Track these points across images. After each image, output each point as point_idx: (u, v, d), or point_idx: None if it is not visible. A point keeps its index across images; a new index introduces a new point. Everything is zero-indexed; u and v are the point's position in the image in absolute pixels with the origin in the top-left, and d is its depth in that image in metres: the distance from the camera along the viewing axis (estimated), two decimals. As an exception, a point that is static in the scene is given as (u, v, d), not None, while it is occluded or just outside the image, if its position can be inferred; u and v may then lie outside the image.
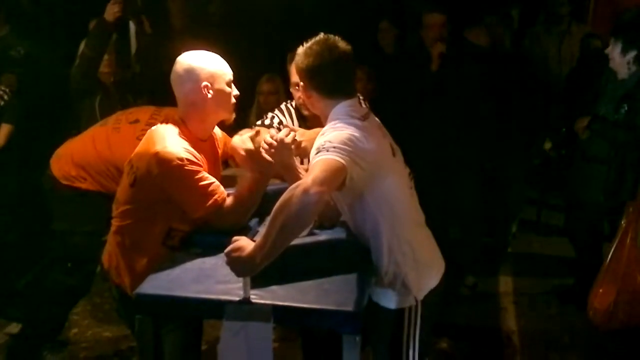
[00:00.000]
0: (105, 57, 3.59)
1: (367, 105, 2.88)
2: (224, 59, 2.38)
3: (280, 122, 2.84)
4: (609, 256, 3.19)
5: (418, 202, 2.27)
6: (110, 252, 2.43)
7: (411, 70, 3.84)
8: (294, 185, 1.85)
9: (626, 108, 3.34)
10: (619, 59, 3.36)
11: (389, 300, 2.17)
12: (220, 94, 2.32)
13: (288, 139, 2.26)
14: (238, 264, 1.88)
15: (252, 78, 4.00)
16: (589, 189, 3.55)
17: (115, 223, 2.40)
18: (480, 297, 4.01)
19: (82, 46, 3.60)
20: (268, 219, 1.89)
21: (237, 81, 2.42)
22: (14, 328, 3.49)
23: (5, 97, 3.55)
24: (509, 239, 4.60)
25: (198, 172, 2.23)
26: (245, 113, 3.90)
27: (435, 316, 2.27)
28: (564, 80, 4.38)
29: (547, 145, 4.57)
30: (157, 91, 2.85)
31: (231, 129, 2.62)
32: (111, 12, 3.50)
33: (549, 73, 4.62)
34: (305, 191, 1.81)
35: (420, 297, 2.18)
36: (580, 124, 3.59)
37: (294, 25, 4.43)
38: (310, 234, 2.23)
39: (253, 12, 4.67)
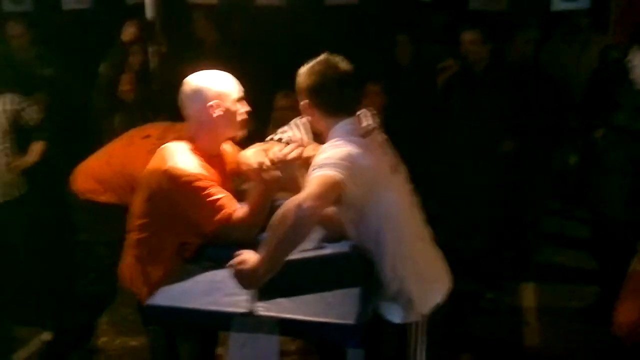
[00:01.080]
0: (125, 75, 3.65)
1: (379, 119, 2.90)
2: (244, 76, 2.43)
3: (292, 138, 2.86)
4: (631, 269, 3.12)
5: (423, 218, 2.28)
6: (128, 264, 2.48)
7: (421, 83, 3.87)
8: (288, 201, 1.89)
9: None
10: (638, 69, 3.31)
11: (393, 315, 2.17)
12: (228, 113, 2.37)
13: (292, 155, 2.30)
14: (242, 277, 1.92)
15: (268, 94, 4.05)
16: (609, 200, 3.49)
17: (132, 236, 2.46)
18: (503, 311, 3.96)
19: (101, 67, 3.71)
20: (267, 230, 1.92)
21: (255, 97, 2.44)
22: (48, 336, 3.57)
23: (37, 115, 3.65)
24: (531, 252, 4.52)
25: (208, 187, 2.27)
26: (264, 128, 3.95)
27: (441, 332, 2.26)
28: (583, 92, 4.30)
29: (572, 159, 4.49)
30: (176, 108, 2.91)
31: (248, 143, 2.64)
32: (127, 32, 3.59)
33: (568, 85, 4.52)
34: (299, 206, 1.85)
35: (425, 312, 2.18)
36: (597, 135, 3.53)
37: (307, 42, 4.48)
38: (318, 247, 2.25)
39: (274, 31, 4.72)
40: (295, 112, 3.85)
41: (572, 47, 4.63)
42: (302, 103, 2.25)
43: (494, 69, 3.80)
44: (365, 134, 2.18)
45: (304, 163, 2.34)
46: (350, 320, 1.89)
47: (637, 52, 3.31)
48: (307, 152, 2.38)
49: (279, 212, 1.87)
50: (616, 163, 3.42)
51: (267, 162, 2.32)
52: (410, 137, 3.38)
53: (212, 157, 2.42)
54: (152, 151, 2.45)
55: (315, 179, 1.95)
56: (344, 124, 2.17)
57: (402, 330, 2.16)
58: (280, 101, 4.06)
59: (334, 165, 1.98)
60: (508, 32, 4.21)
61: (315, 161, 2.05)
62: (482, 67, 3.79)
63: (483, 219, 3.91)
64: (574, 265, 4.49)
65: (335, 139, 2.13)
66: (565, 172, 4.55)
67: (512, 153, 3.84)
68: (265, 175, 2.32)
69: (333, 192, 1.96)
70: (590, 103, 3.83)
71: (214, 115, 2.33)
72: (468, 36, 3.77)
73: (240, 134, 2.50)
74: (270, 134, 3.13)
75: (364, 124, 2.34)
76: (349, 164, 2.00)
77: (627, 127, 3.37)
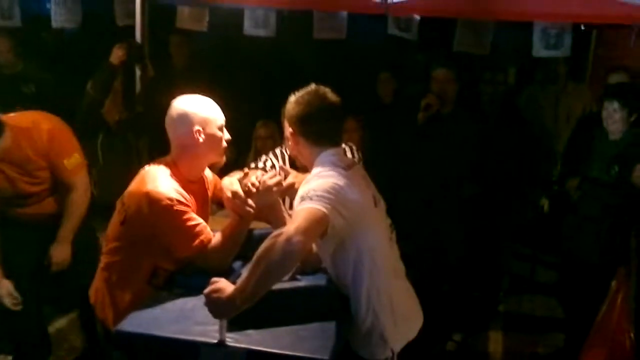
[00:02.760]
0: (111, 97, 3.64)
1: (360, 154, 2.90)
2: (222, 102, 2.43)
3: (273, 166, 2.87)
4: (600, 317, 3.11)
5: (399, 253, 2.28)
6: (97, 288, 2.45)
7: (402, 120, 3.87)
8: (276, 233, 1.87)
9: (617, 169, 3.32)
10: (610, 120, 3.36)
11: (365, 350, 2.15)
12: (212, 139, 2.35)
13: (271, 182, 2.29)
14: (217, 306, 1.89)
15: (250, 123, 4.04)
16: (582, 247, 3.51)
17: (103, 259, 2.43)
18: (468, 354, 3.93)
19: (88, 87, 3.68)
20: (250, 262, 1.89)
21: (234, 125, 2.45)
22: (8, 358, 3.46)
23: None
24: (499, 295, 4.53)
25: (186, 212, 2.25)
26: (244, 157, 3.94)
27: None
28: (566, 142, 4.34)
29: (544, 202, 4.53)
30: (157, 131, 2.90)
31: (225, 172, 2.64)
32: (116, 55, 3.59)
33: (544, 132, 4.60)
34: (288, 240, 1.84)
35: (397, 349, 2.16)
36: (571, 184, 3.57)
37: (293, 73, 4.50)
38: (292, 279, 2.22)
39: (251, 59, 4.73)
40: (275, 142, 3.91)
41: (549, 93, 4.71)
42: (287, 131, 2.25)
43: (462, 109, 3.82)
44: (349, 166, 2.19)
45: (284, 191, 2.35)
46: (321, 355, 1.86)
47: (608, 103, 3.36)
48: (287, 180, 2.38)
49: (267, 244, 1.86)
50: (591, 211, 3.44)
51: (241, 193, 2.31)
52: (387, 174, 3.39)
53: (192, 183, 2.40)
54: None
55: (302, 212, 1.95)
56: (329, 154, 2.18)
57: (374, 366, 2.13)
58: (260, 130, 4.08)
59: (321, 198, 1.97)
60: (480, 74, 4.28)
61: (302, 193, 2.04)
62: (451, 107, 3.81)
63: (452, 258, 3.88)
64: (542, 311, 4.49)
65: (320, 170, 2.12)
66: (537, 218, 4.57)
67: (476, 197, 3.83)
68: (240, 205, 2.30)
69: (320, 226, 1.96)
70: (570, 153, 3.85)
71: (199, 140, 2.32)
72: (441, 73, 3.79)
73: (221, 160, 2.49)
74: (251, 162, 3.13)
75: (349, 155, 2.34)
76: (334, 197, 2.00)
77: (600, 178, 3.39)
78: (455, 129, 3.71)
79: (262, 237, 2.03)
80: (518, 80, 5.33)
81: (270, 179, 2.30)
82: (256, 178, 2.31)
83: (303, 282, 2.24)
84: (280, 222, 2.35)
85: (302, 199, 2.00)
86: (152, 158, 2.49)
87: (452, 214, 3.74)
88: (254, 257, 1.86)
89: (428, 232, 3.72)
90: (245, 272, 1.92)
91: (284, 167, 2.65)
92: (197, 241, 2.25)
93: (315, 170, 2.14)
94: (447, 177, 3.72)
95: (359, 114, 4.02)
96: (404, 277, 2.29)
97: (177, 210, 2.22)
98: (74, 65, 4.44)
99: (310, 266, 2.30)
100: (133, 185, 2.34)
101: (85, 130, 3.61)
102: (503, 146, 3.86)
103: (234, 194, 2.32)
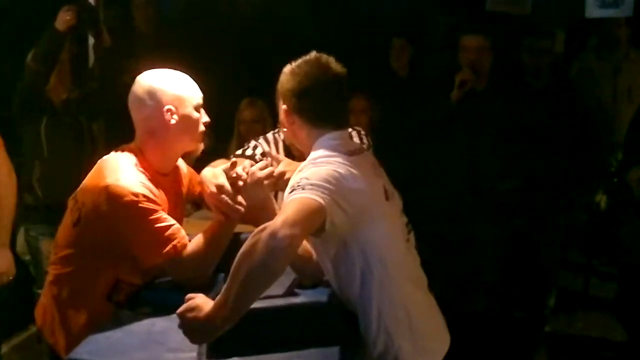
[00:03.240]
0: (56, 71, 3.66)
1: (369, 140, 2.92)
2: (197, 77, 2.44)
3: (264, 153, 2.89)
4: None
5: (418, 260, 2.29)
6: (45, 306, 2.46)
7: (426, 99, 3.89)
8: (259, 228, 1.87)
9: None
10: None
11: (378, 380, 2.16)
12: (186, 120, 2.37)
13: (262, 173, 2.30)
14: (193, 328, 1.89)
15: (232, 102, 4.04)
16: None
17: (52, 271, 2.44)
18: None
19: (28, 59, 3.66)
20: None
21: (213, 106, 2.47)
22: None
23: None
24: (545, 314, 4.54)
25: (155, 211, 2.27)
26: (225, 145, 3.96)
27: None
28: (629, 125, 4.35)
29: (600, 199, 4.54)
30: (116, 113, 2.91)
31: (204, 163, 2.66)
32: (63, 20, 3.59)
33: (601, 111, 4.61)
34: (273, 235, 1.82)
35: (418, 378, 2.18)
36: (634, 175, 3.59)
37: (285, 42, 4.52)
38: (288, 294, 2.23)
39: (236, 23, 4.73)
40: (264, 126, 3.92)
41: (606, 63, 4.71)
42: (281, 109, 2.27)
43: (499, 85, 3.83)
44: (355, 151, 2.20)
45: (277, 184, 2.36)
46: (322, 389, 1.88)
47: None
48: (277, 169, 2.39)
49: (248, 242, 1.85)
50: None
51: (228, 187, 2.32)
52: (403, 164, 3.40)
53: (162, 176, 2.41)
54: None
55: (292, 203, 1.95)
56: (330, 138, 2.19)
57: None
58: (245, 111, 4.09)
59: (316, 187, 1.98)
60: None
61: (293, 181, 2.05)
62: (485, 83, 3.83)
63: (486, 269, 3.92)
64: (598, 332, 4.51)
65: (317, 155, 2.14)
66: (591, 219, 4.59)
67: (515, 192, 3.86)
68: (226, 202, 2.31)
69: (314, 220, 1.96)
70: (633, 137, 3.90)
71: (169, 122, 2.34)
72: (472, 41, 3.80)
73: (198, 148, 2.50)
74: (235, 150, 3.15)
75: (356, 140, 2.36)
76: (333, 186, 2.01)
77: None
78: (490, 109, 3.73)
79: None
80: (567, 47, 5.30)
81: (260, 169, 2.31)
82: (243, 169, 2.32)
83: (301, 297, 2.24)
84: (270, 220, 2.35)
85: (293, 189, 2.01)
86: (110, 146, 2.50)
87: (485, 214, 3.76)
88: (234, 262, 1.86)
89: (455, 235, 3.75)
90: (227, 283, 1.90)
91: (272, 153, 2.67)
92: (168, 247, 2.26)
93: (312, 156, 2.16)
94: (480, 168, 3.75)
95: (367, 90, 4.05)
96: (425, 288, 2.30)
97: (143, 208, 2.23)
98: (10, 33, 4.44)
99: (310, 277, 2.32)
100: (89, 180, 2.35)
101: (26, 112, 3.65)
102: (549, 130, 3.87)
103: (220, 188, 2.32)
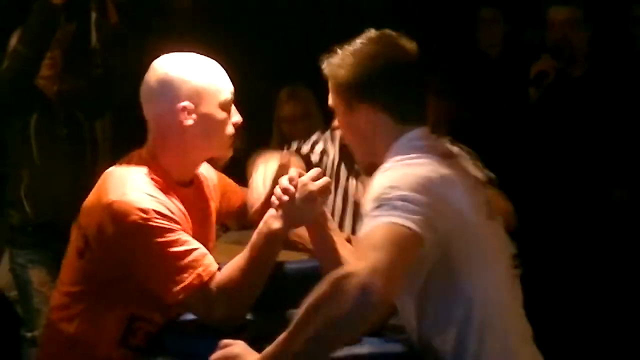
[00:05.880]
0: (49, 56, 3.67)
1: (449, 140, 2.88)
2: (232, 64, 2.44)
3: (324, 152, 2.95)
4: None
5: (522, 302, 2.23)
6: (47, 356, 2.55)
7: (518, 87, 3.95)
8: (340, 274, 1.81)
9: None
10: None
11: None
12: (207, 122, 2.36)
13: (315, 186, 2.27)
14: None
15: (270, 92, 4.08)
16: None
17: (55, 315, 2.47)
18: None
19: (13, 41, 3.69)
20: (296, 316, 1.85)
21: (247, 97, 2.48)
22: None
23: None
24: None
25: (171, 231, 2.25)
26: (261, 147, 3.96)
27: None
28: None
29: None
30: (124, 107, 2.91)
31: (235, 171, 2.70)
32: None
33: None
34: (365, 288, 1.76)
35: None
36: None
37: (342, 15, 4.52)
38: (349, 343, 2.13)
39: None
40: (308, 122, 3.91)
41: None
42: (337, 105, 2.23)
43: (602, 69, 3.86)
44: (447, 155, 2.19)
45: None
46: None
47: None
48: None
49: (325, 290, 1.81)
50: None
51: (275, 193, 2.29)
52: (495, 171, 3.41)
53: (182, 187, 2.42)
54: None
55: (379, 234, 1.88)
56: (412, 139, 2.14)
57: None
58: (285, 106, 4.10)
59: (406, 206, 1.92)
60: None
61: (376, 192, 1.99)
62: (583, 66, 3.84)
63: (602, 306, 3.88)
64: None
65: (401, 158, 2.08)
66: None
67: (631, 205, 3.87)
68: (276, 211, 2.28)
69: (410, 257, 1.90)
70: None
71: (184, 123, 2.33)
72: (560, 13, 3.85)
73: (224, 155, 2.52)
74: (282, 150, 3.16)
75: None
76: (429, 199, 1.95)
77: None
78: (591, 101, 3.75)
79: (300, 275, 2.05)
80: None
81: (312, 180, 2.28)
82: (290, 180, 2.28)
83: (366, 346, 2.19)
84: (328, 249, 2.34)
85: (377, 203, 1.95)
86: (117, 151, 2.54)
87: (593, 233, 3.76)
88: (303, 309, 1.82)
89: (557, 260, 3.74)
90: (284, 331, 1.86)
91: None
92: (191, 277, 2.23)
93: (394, 159, 2.09)
94: (584, 176, 3.77)
95: (442, 79, 4.00)
96: (532, 340, 2.22)
97: (154, 227, 2.22)
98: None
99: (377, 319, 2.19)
100: (91, 197, 2.37)
101: (11, 108, 3.68)
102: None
103: (286, 191, 2.28)
